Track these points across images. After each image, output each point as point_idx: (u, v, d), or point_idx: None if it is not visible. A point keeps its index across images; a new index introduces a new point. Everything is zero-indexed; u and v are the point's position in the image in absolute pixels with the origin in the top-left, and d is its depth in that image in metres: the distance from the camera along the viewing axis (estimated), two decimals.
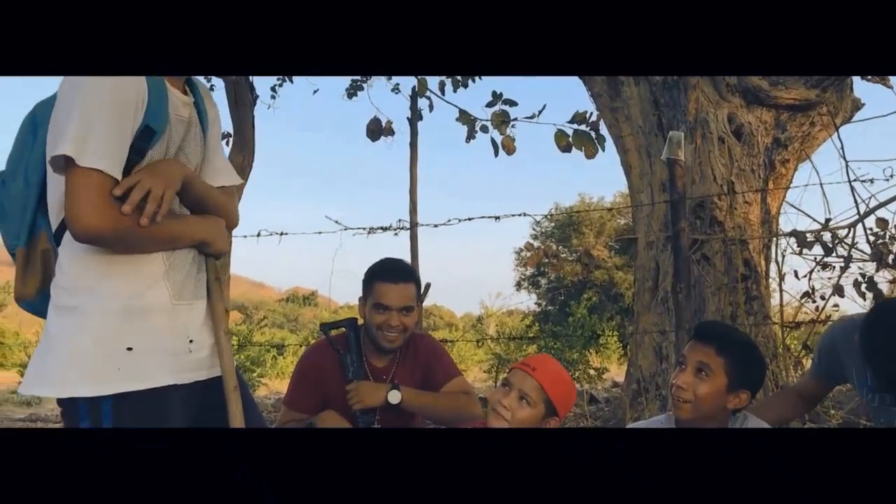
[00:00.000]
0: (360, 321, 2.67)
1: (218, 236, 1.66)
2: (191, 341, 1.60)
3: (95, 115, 1.38)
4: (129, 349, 1.48)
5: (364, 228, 4.09)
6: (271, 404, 8.94)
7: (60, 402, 1.50)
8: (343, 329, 2.68)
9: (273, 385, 11.46)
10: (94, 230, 1.38)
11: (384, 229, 4.04)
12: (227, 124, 4.53)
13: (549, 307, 16.63)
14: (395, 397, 2.45)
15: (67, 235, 1.47)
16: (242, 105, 4.15)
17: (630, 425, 2.38)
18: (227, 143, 4.53)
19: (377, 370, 2.65)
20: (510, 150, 4.15)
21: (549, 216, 16.82)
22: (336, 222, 4.16)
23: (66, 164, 1.38)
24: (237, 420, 1.62)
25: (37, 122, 1.58)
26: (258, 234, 4.12)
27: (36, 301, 1.63)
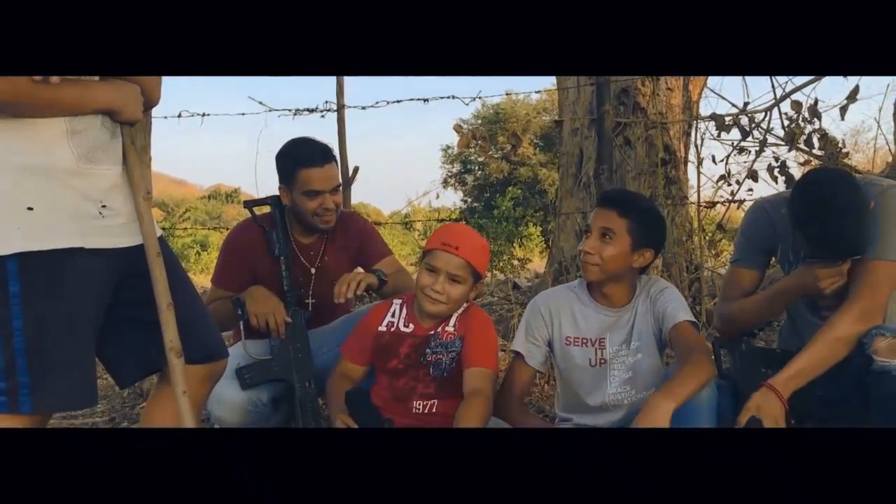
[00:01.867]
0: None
1: (129, 103, 1.58)
2: (103, 206, 1.55)
3: None
4: (30, 209, 1.42)
5: (290, 110, 4.01)
6: None
7: None
8: (268, 207, 2.67)
9: (197, 280, 11.36)
10: None
11: (310, 111, 3.97)
12: None
13: (476, 203, 16.80)
14: (384, 276, 2.49)
15: None
16: None
17: (547, 290, 2.51)
18: None
19: (304, 247, 2.66)
20: None
21: (477, 111, 16.74)
22: (260, 103, 4.06)
23: None
24: (160, 284, 1.61)
25: None
26: (179, 115, 4.00)
27: None
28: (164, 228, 9.55)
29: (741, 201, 3.78)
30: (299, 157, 2.53)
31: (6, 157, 1.42)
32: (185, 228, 11.02)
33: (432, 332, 2.25)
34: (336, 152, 2.74)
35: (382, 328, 2.30)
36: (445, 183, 17.74)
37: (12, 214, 1.41)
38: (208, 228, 12.22)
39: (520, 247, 10.24)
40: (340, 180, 2.60)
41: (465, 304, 2.26)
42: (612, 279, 2.20)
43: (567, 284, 2.44)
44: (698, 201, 3.96)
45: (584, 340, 2.25)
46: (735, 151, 3.72)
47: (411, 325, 2.28)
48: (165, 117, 4.08)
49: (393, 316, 2.32)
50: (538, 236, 11.95)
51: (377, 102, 4.01)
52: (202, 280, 11.43)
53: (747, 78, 3.67)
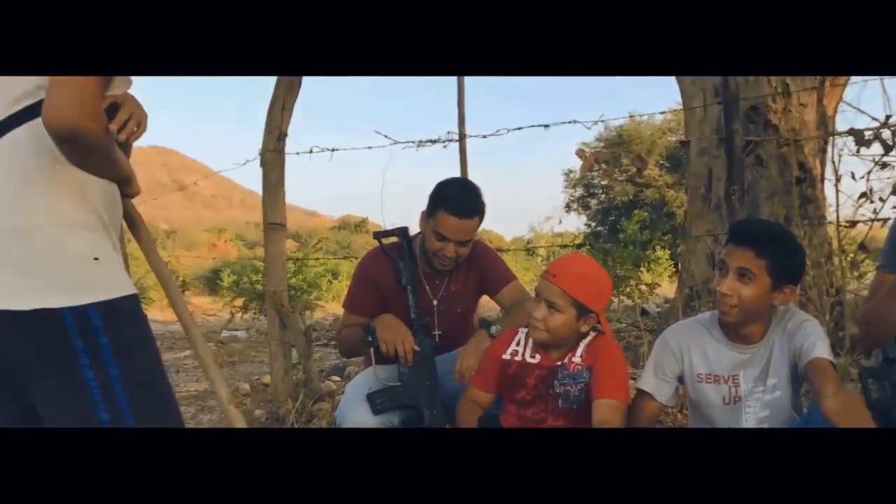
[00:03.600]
0: (416, 232, 2.71)
1: (135, 178, 1.64)
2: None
3: None
4: (96, 259, 1.40)
5: (413, 142, 4.11)
6: (329, 324, 9.21)
7: (27, 326, 1.33)
8: (395, 237, 2.75)
9: (329, 307, 11.76)
10: (75, 124, 1.28)
11: (433, 142, 4.05)
12: None
13: (600, 228, 16.53)
14: (496, 331, 2.49)
15: (5, 139, 1.39)
16: None
17: (676, 323, 2.41)
18: None
19: (430, 276, 2.71)
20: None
21: (600, 133, 16.51)
22: (385, 136, 4.17)
23: None
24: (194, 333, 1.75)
25: None
26: (310, 151, 4.16)
27: None
28: (297, 259, 9.98)
29: (885, 220, 3.56)
30: (446, 199, 2.55)
31: (62, 215, 1.39)
32: (318, 258, 11.42)
33: (559, 363, 2.22)
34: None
35: (507, 356, 2.30)
36: (568, 207, 17.53)
37: (79, 267, 1.39)
38: (339, 258, 12.65)
39: (647, 271, 10.01)
40: (474, 236, 2.63)
41: (591, 334, 2.22)
42: (750, 319, 2.08)
43: (697, 318, 2.31)
44: (837, 221, 3.75)
45: (717, 378, 2.15)
46: (877, 167, 3.51)
47: (538, 356, 2.25)
48: (298, 153, 4.26)
49: (518, 345, 2.31)
50: (666, 260, 11.63)
51: (498, 131, 4.05)
52: (334, 307, 11.83)
53: (888, 87, 3.47)
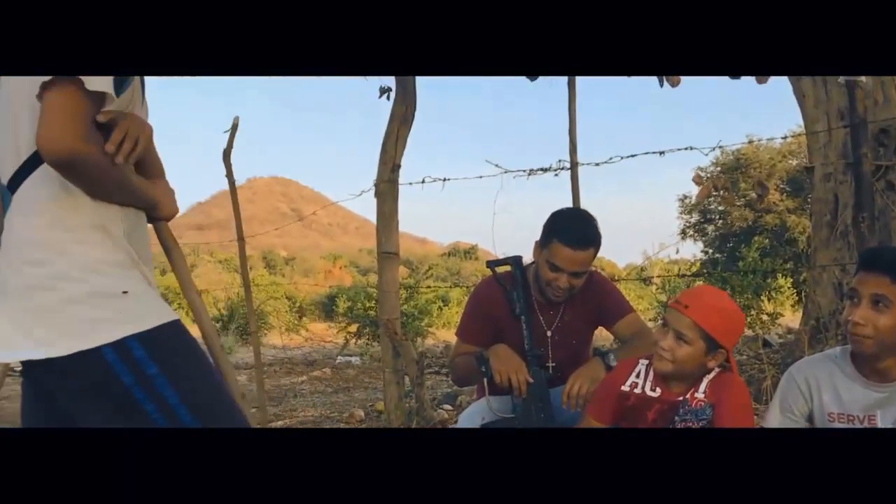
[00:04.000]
0: (529, 261, 2.71)
1: (168, 199, 1.60)
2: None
3: None
4: (125, 292, 1.38)
5: (524, 171, 4.10)
6: (440, 351, 9.29)
7: (71, 371, 1.34)
8: (509, 266, 2.75)
9: (440, 334, 11.88)
10: (71, 150, 1.26)
11: (544, 170, 4.03)
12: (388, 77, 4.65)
13: (717, 255, 15.99)
14: (613, 360, 2.46)
15: (24, 187, 1.38)
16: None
17: (804, 358, 2.29)
18: (388, 98, 4.65)
19: (544, 306, 2.70)
20: (674, 81, 3.99)
21: (717, 158, 16.03)
22: (496, 166, 4.18)
23: (48, 83, 1.27)
24: (230, 376, 1.67)
25: None
26: (423, 181, 4.24)
27: None
28: (409, 286, 10.16)
29: None
30: (560, 230, 2.52)
31: (87, 257, 1.37)
32: (429, 286, 11.59)
33: (681, 399, 2.14)
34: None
35: (626, 388, 2.25)
36: (684, 234, 17.05)
37: (110, 303, 1.36)
38: (449, 286, 12.80)
39: (769, 300, 9.59)
40: (588, 267, 2.59)
41: (715, 370, 2.15)
42: (887, 352, 1.94)
43: (826, 353, 2.17)
44: None
45: (851, 417, 2.01)
46: None
47: (658, 390, 2.18)
48: (411, 183, 4.33)
49: (638, 377, 2.25)
50: (789, 288, 11.12)
51: (611, 158, 3.98)
52: (444, 334, 11.94)
53: None
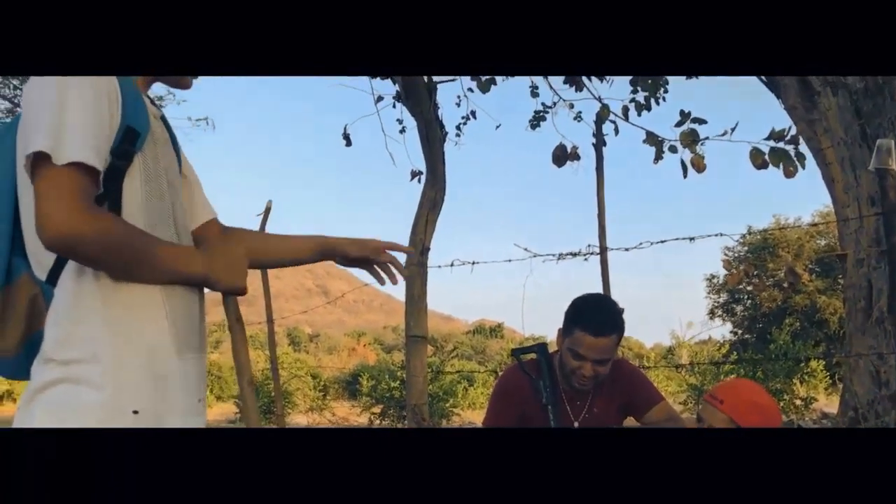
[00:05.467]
0: (554, 349, 2.69)
1: (225, 270, 1.41)
2: (199, 401, 1.39)
3: (72, 107, 1.20)
4: (136, 412, 1.25)
5: (553, 255, 4.12)
6: None
7: None
8: (534, 354, 2.73)
9: (465, 415, 11.72)
10: (69, 232, 1.15)
11: (573, 255, 4.04)
12: (419, 162, 4.74)
13: (747, 335, 15.77)
14: None
15: (63, 278, 1.27)
16: (434, 142, 4.34)
17: None
18: (419, 181, 4.73)
19: (571, 395, 2.66)
20: (700, 167, 4.02)
21: (744, 237, 15.96)
22: (525, 249, 4.19)
23: (39, 165, 1.17)
24: None
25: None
26: (451, 264, 4.26)
27: (14, 358, 1.34)
28: (433, 366, 10.08)
29: None
30: (582, 318, 2.50)
31: (113, 356, 1.25)
32: (453, 371, 11.48)
33: None
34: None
35: None
36: (712, 314, 16.90)
37: (117, 418, 1.23)
38: (475, 362, 12.70)
39: (801, 383, 9.39)
40: (612, 355, 2.57)
41: None
42: None
43: None
44: None
45: None
46: None
47: None
48: (440, 266, 4.36)
49: None
50: (822, 371, 10.90)
51: (640, 244, 3.99)
52: (469, 415, 11.78)
53: None
